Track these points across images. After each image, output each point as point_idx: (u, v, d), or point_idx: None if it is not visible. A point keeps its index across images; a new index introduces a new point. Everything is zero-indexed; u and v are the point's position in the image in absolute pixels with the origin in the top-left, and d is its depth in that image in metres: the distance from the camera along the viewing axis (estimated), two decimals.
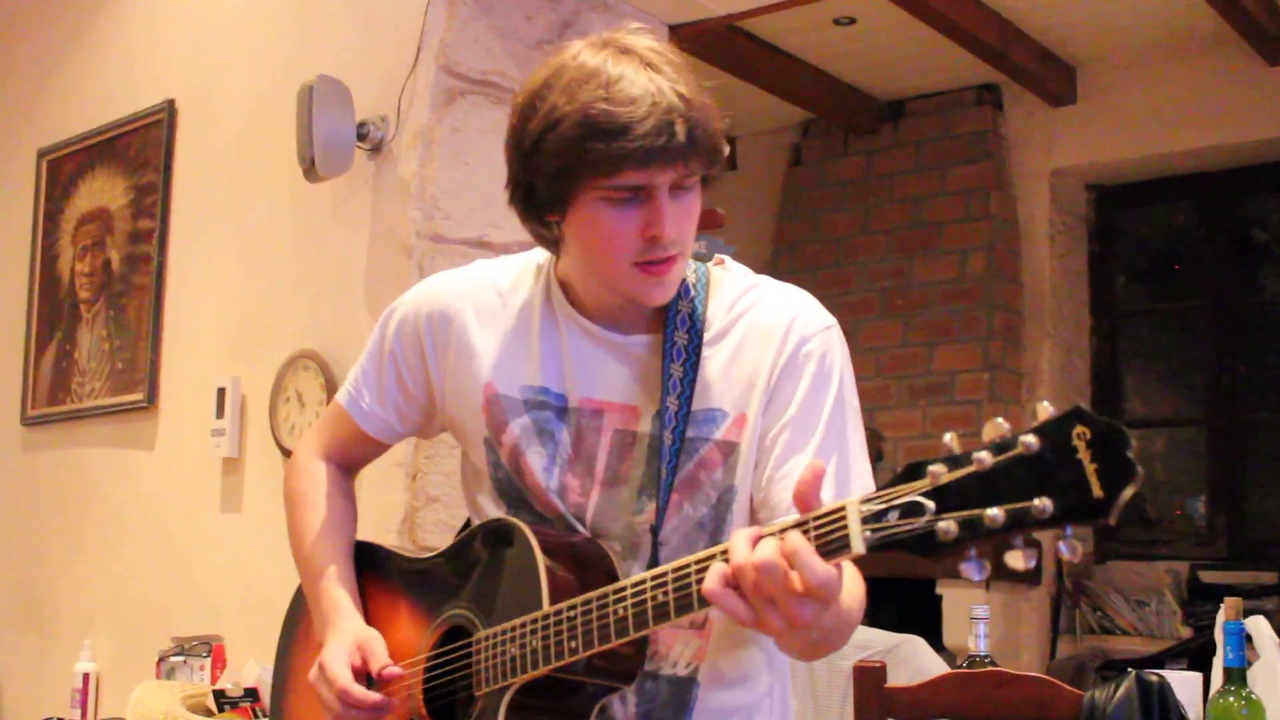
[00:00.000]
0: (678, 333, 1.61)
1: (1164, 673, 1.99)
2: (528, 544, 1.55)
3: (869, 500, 1.20)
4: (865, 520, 1.19)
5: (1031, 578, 5.32)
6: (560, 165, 1.51)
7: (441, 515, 2.97)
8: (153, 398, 3.72)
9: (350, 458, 1.89)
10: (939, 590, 5.17)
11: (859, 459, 1.61)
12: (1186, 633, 4.89)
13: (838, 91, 5.74)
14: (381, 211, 3.10)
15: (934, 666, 2.87)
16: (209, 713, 3.03)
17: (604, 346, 1.64)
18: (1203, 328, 5.68)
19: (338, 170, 3.06)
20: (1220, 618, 2.19)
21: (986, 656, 2.64)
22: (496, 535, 1.61)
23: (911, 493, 1.16)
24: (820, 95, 5.71)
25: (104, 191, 4.02)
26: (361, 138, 3.10)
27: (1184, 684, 2.12)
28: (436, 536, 2.97)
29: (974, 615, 2.68)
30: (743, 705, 1.67)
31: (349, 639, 1.65)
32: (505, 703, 1.51)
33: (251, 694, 3.09)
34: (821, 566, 1.22)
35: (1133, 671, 1.92)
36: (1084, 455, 1.08)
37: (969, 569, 1.13)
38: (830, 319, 1.66)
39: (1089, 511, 1.08)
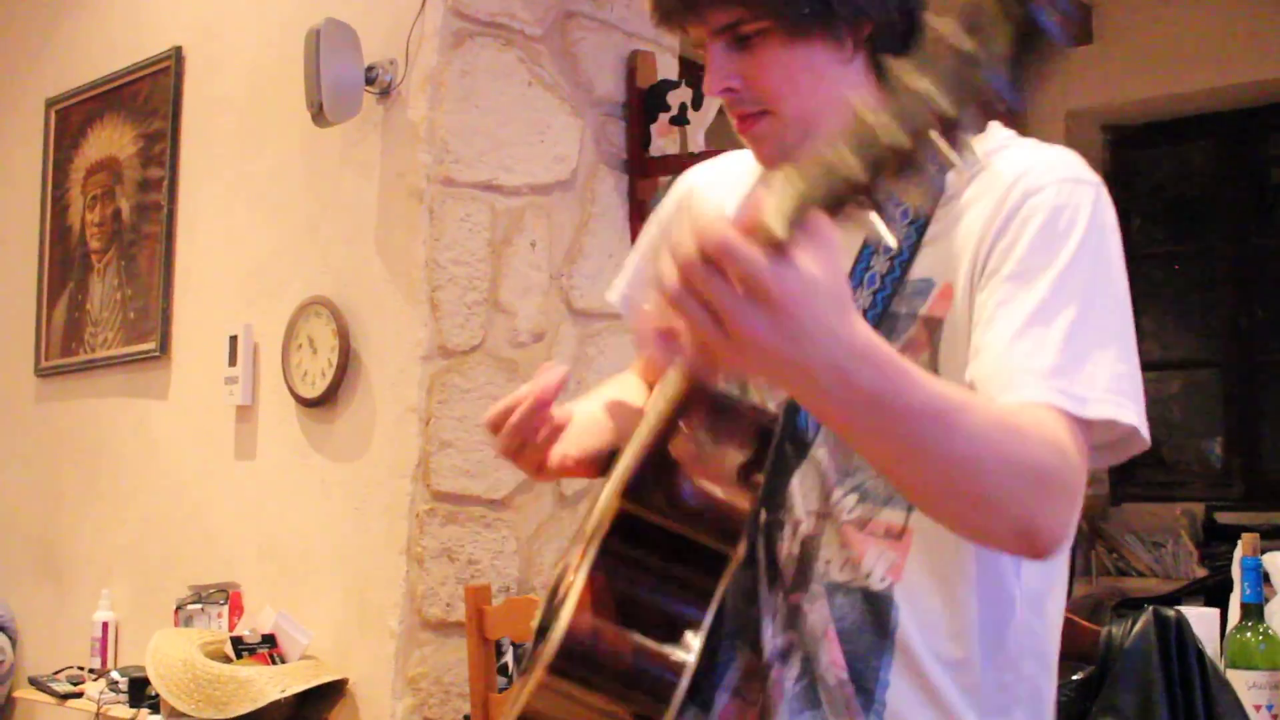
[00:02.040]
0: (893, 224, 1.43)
1: (1181, 609, 1.98)
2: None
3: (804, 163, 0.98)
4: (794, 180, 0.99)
5: None
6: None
7: (455, 460, 2.97)
8: (165, 347, 3.72)
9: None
10: None
11: (1101, 342, 1.29)
12: (1202, 574, 4.88)
13: None
14: (391, 156, 3.08)
15: None
16: (227, 659, 3.04)
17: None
18: (1220, 269, 5.64)
19: (346, 115, 3.04)
20: (1238, 554, 2.18)
21: None
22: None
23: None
24: None
25: (113, 140, 4.00)
26: (370, 81, 3.08)
27: (1201, 620, 2.11)
28: (452, 481, 2.97)
29: None
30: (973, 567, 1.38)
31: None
32: (597, 540, 1.33)
33: (269, 640, 3.10)
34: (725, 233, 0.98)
35: (1150, 607, 1.91)
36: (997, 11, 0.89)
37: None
38: (1083, 174, 1.37)
39: (996, 66, 0.89)
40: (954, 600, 1.36)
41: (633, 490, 1.29)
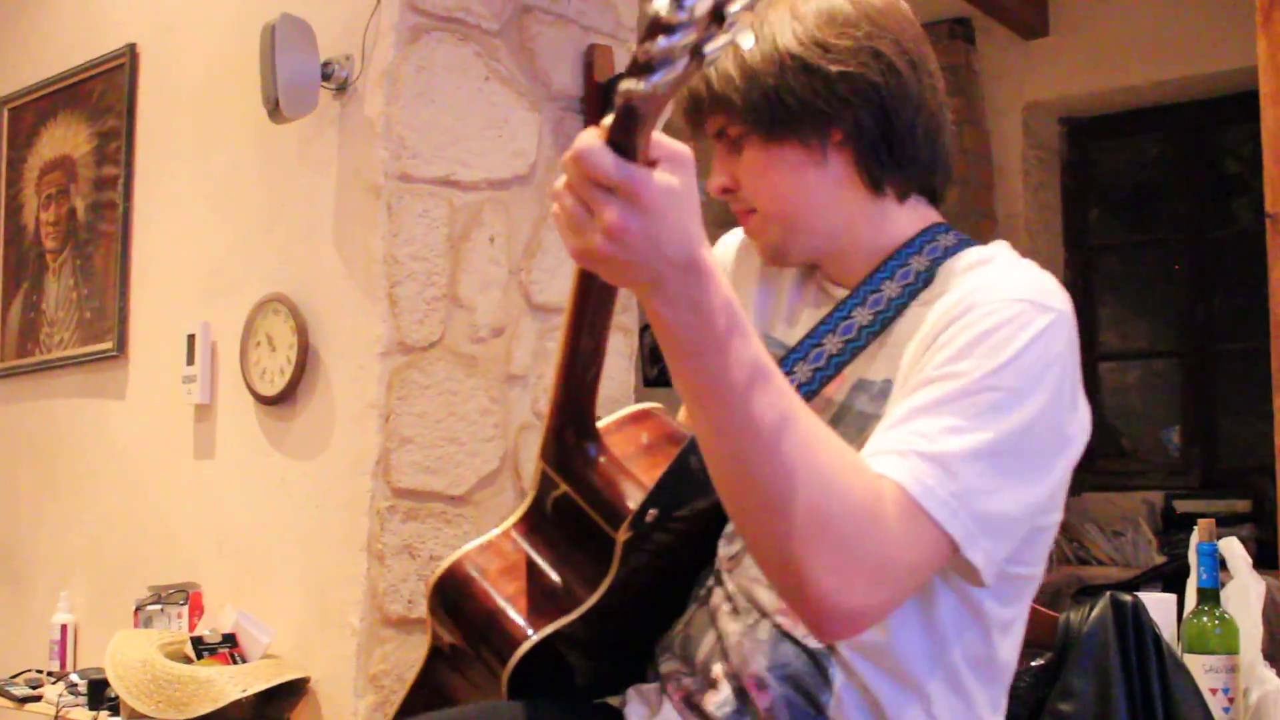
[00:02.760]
0: (889, 282, 1.47)
1: (1138, 594, 1.99)
2: None
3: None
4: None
5: None
6: None
7: (415, 456, 2.96)
8: (122, 346, 3.69)
9: None
10: None
11: (983, 457, 1.27)
12: (1161, 562, 4.92)
13: None
14: (348, 152, 3.07)
15: None
16: (187, 660, 3.02)
17: (828, 302, 1.54)
18: (1176, 260, 5.68)
19: (303, 111, 3.02)
20: (1194, 540, 2.20)
21: None
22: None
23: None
24: None
25: (67, 139, 3.96)
26: (326, 77, 3.06)
27: (1158, 605, 2.13)
28: (412, 477, 2.96)
29: None
30: (900, 694, 1.40)
31: None
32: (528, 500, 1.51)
33: (229, 640, 3.08)
34: (594, 144, 1.06)
35: (1107, 593, 1.92)
36: None
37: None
38: (1048, 300, 1.36)
39: None
40: (890, 657, 1.39)
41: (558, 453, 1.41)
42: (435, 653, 1.54)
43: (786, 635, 1.42)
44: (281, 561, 3.14)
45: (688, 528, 1.48)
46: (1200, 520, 2.20)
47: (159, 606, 3.32)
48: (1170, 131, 5.71)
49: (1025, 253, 5.26)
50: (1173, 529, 5.02)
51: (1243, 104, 5.43)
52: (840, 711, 1.39)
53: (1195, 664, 2.06)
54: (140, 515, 3.59)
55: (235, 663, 3.03)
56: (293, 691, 2.98)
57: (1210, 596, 2.15)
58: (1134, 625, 1.87)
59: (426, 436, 2.98)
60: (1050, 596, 4.24)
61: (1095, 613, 1.88)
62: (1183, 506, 5.12)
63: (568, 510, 1.46)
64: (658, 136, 1.09)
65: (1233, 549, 2.28)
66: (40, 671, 3.64)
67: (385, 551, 2.91)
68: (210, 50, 3.50)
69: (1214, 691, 2.07)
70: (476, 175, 3.10)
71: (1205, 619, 2.14)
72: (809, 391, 1.45)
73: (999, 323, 1.32)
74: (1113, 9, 5.38)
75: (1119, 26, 5.37)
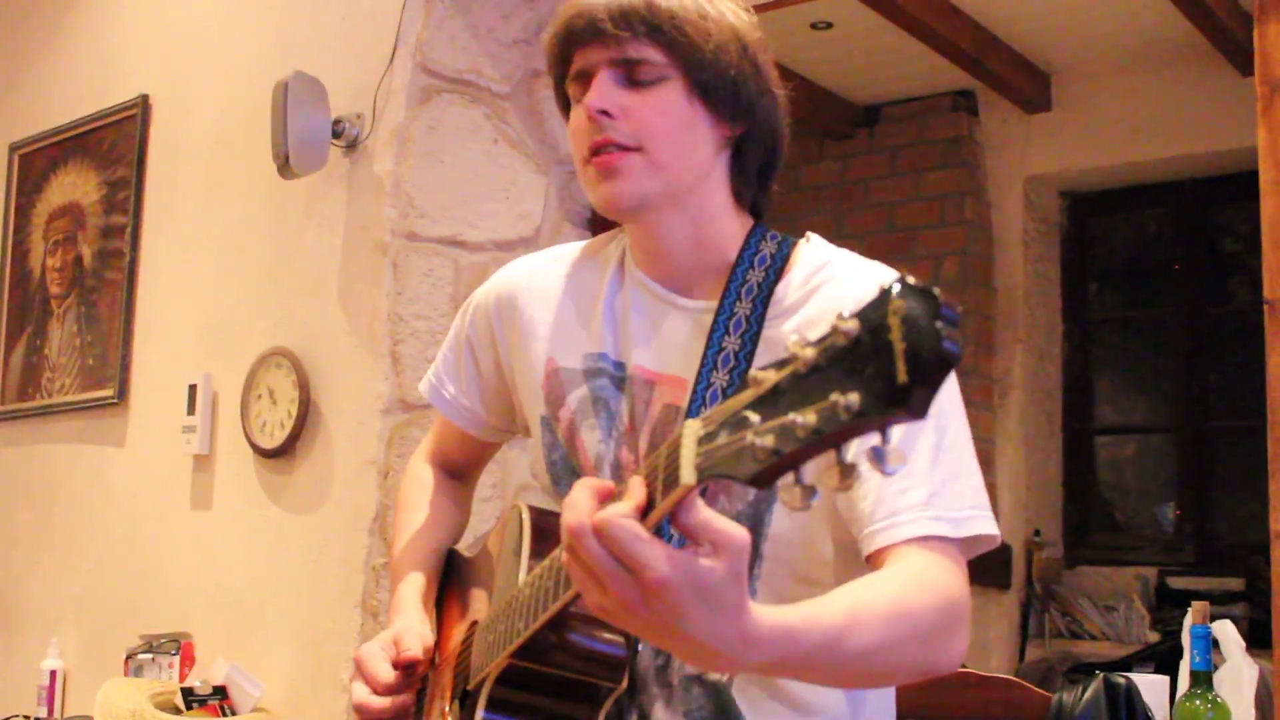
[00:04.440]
0: (740, 303, 1.45)
1: (1131, 675, 2.00)
2: (521, 526, 1.44)
3: (710, 419, 0.96)
4: (701, 441, 0.95)
5: (1002, 581, 5.34)
6: (550, 72, 1.53)
7: None
8: (123, 394, 3.70)
9: (452, 459, 1.83)
10: None
11: (959, 458, 1.37)
12: (1154, 638, 4.92)
13: (813, 96, 5.75)
14: (356, 209, 3.10)
15: None
16: (177, 710, 3.01)
17: (664, 308, 1.52)
18: (1173, 335, 5.71)
19: (312, 167, 3.05)
20: (1188, 621, 2.21)
21: None
22: (510, 521, 1.51)
23: (739, 406, 0.92)
24: (796, 99, 5.64)
25: (76, 186, 3.99)
26: (337, 135, 3.09)
27: (1151, 687, 2.13)
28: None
29: None
30: None
31: (386, 635, 1.58)
32: (484, 696, 1.40)
33: (220, 692, 3.07)
34: (619, 521, 1.00)
35: (1100, 674, 1.93)
36: (895, 334, 0.83)
37: (794, 497, 0.91)
38: None
39: (892, 401, 0.83)
40: (784, 685, 1.44)
41: (526, 650, 1.33)
42: None
43: (695, 678, 1.45)
44: (275, 615, 3.14)
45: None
46: (1194, 603, 2.20)
47: (150, 655, 3.31)
48: (1170, 208, 5.76)
49: (1024, 325, 5.31)
50: (1166, 605, 5.01)
51: (1242, 183, 5.47)
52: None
53: None
54: (135, 563, 3.58)
55: (225, 715, 3.02)
56: None
57: (1203, 679, 2.15)
58: (1127, 708, 1.88)
59: None
60: (1042, 675, 4.23)
61: (1088, 694, 1.88)
62: (1176, 583, 5.12)
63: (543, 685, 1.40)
64: (707, 515, 1.01)
65: (1226, 632, 2.28)
66: (27, 717, 3.62)
67: (380, 608, 2.91)
68: (222, 104, 3.54)
69: None
70: (483, 236, 3.12)
71: (1198, 702, 2.14)
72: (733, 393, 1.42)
73: None
74: (1114, 85, 5.44)
75: (1120, 103, 5.43)
